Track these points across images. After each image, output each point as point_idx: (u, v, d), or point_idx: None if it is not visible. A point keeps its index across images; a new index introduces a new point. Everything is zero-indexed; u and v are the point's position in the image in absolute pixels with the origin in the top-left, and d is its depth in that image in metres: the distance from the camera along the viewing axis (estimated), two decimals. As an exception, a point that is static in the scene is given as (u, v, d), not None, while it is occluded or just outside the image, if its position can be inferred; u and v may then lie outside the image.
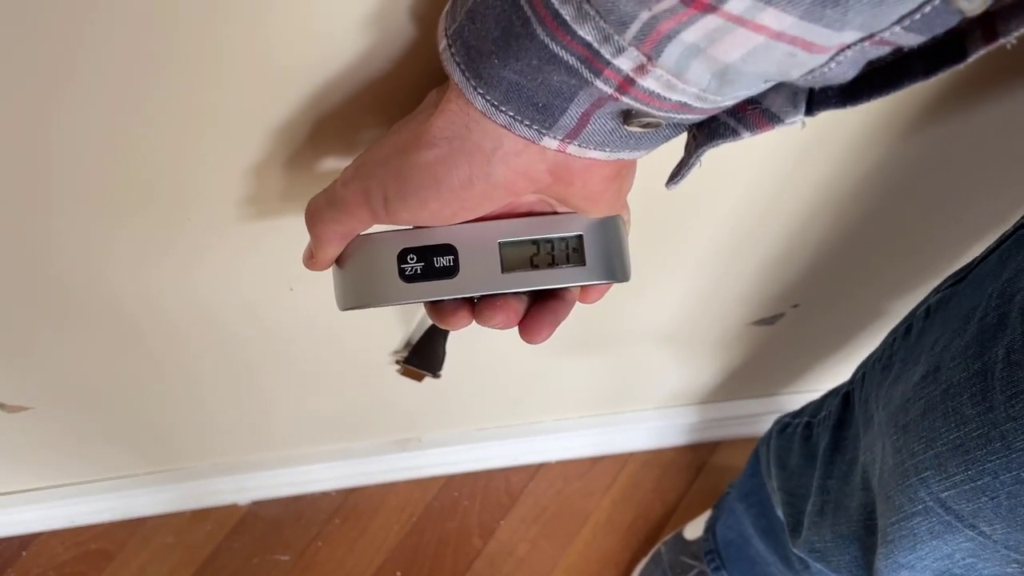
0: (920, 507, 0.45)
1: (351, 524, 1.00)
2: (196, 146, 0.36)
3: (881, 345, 0.56)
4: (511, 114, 0.27)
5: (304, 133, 0.36)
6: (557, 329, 0.35)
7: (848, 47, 0.23)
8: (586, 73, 0.25)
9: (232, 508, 0.99)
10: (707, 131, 0.29)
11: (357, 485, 1.01)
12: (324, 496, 1.00)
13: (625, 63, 0.24)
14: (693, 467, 1.06)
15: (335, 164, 0.38)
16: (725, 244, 0.59)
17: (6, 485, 0.87)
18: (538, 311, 0.35)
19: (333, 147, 0.37)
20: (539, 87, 0.26)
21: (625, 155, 0.30)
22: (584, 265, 0.34)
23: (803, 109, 0.27)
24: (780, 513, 0.65)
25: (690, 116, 0.27)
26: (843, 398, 0.59)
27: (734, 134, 0.29)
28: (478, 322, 0.35)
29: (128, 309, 0.50)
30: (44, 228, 0.41)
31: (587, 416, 0.99)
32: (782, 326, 0.76)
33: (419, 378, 0.69)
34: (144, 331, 0.53)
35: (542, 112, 0.27)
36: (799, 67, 0.23)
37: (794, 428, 0.67)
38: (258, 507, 0.99)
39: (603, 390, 0.91)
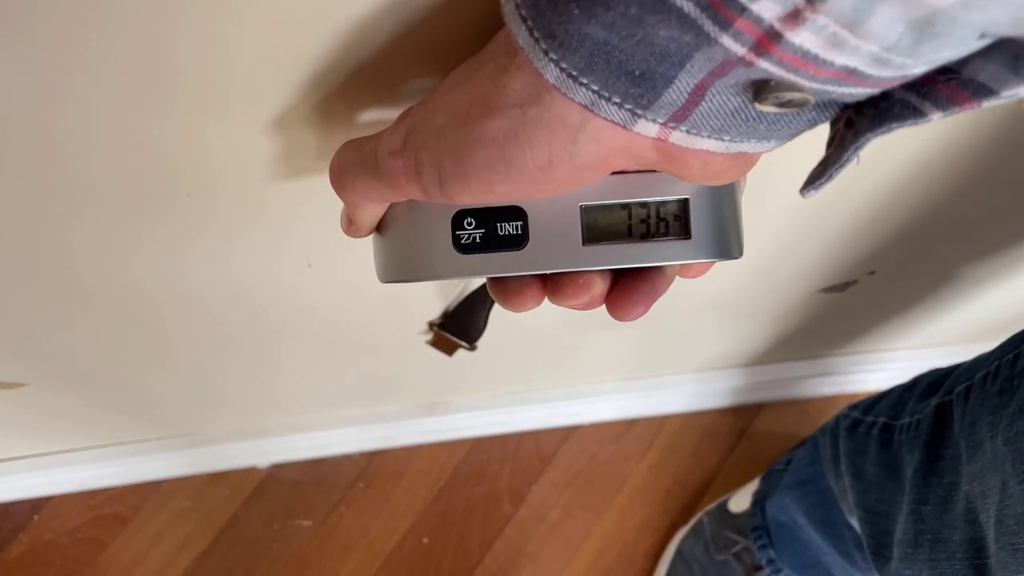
0: None
1: (376, 489, 0.95)
2: (211, 104, 0.29)
3: (991, 359, 0.47)
4: (595, 88, 0.20)
5: (336, 84, 0.29)
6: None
7: None
8: (708, 26, 0.18)
9: (251, 471, 0.94)
10: (873, 112, 0.21)
11: (381, 448, 0.96)
12: (347, 459, 0.95)
13: (770, 8, 0.17)
14: (735, 431, 1.00)
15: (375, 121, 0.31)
16: (803, 209, 0.51)
17: (14, 451, 0.83)
18: (633, 282, 0.28)
19: (374, 101, 0.30)
20: (637, 48, 0.19)
21: (749, 147, 0.22)
22: (688, 238, 0.27)
23: None
24: (858, 530, 0.58)
25: (855, 89, 0.19)
26: (937, 410, 0.51)
27: (916, 115, 0.20)
28: (552, 301, 0.28)
29: (138, 287, 0.44)
30: (55, 220, 0.35)
31: (623, 380, 0.93)
32: (850, 292, 0.69)
33: (451, 350, 0.63)
34: (155, 306, 0.47)
35: (639, 84, 0.20)
36: None
37: (867, 428, 0.59)
38: (278, 470, 0.94)
39: (643, 356, 0.85)
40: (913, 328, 0.84)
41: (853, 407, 0.64)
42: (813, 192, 0.24)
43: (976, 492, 0.44)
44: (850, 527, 0.66)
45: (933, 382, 0.56)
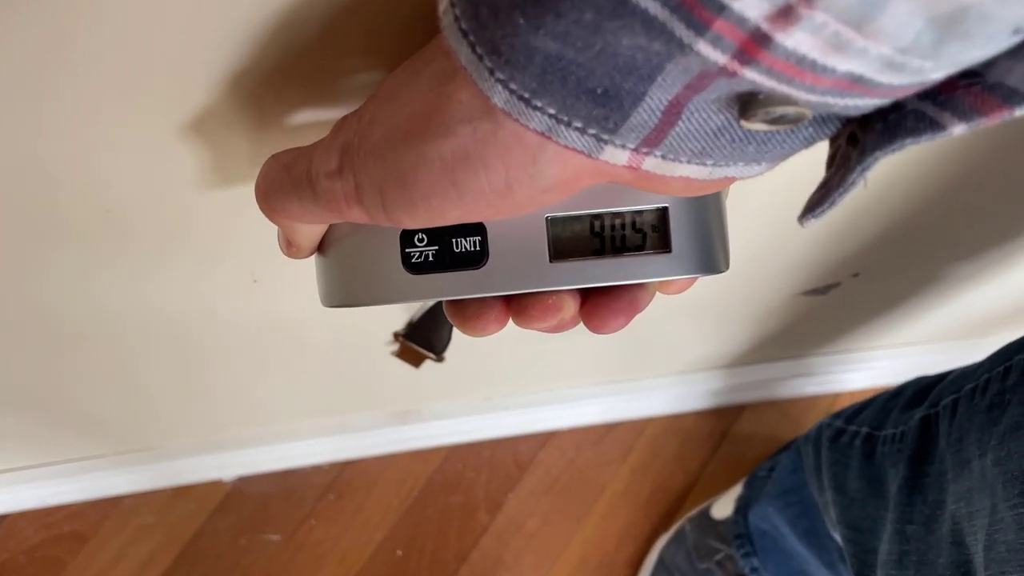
0: None
1: (347, 500, 0.92)
2: (113, 105, 0.25)
3: (979, 371, 0.45)
4: (551, 112, 0.17)
5: (264, 78, 0.26)
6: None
7: None
8: (680, 31, 0.15)
9: (216, 484, 0.90)
10: (881, 126, 0.18)
11: (352, 458, 0.92)
12: (316, 470, 0.92)
13: (755, 6, 0.14)
14: (716, 434, 0.98)
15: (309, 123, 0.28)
16: (785, 210, 0.49)
17: (-38, 469, 0.79)
18: (613, 294, 0.25)
19: (309, 98, 0.27)
20: (597, 61, 0.16)
21: (736, 171, 0.19)
22: (669, 251, 0.24)
23: None
24: (841, 545, 0.56)
25: (861, 101, 0.16)
26: (922, 423, 0.49)
27: (934, 128, 0.17)
28: (517, 324, 0.25)
29: (66, 314, 0.40)
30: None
31: (601, 383, 0.91)
32: (833, 294, 0.67)
33: (418, 361, 0.60)
34: (85, 334, 0.43)
35: (603, 104, 0.17)
36: None
37: (850, 438, 0.57)
38: (244, 483, 0.91)
39: (621, 359, 0.82)
40: (896, 327, 0.82)
41: (836, 416, 0.62)
42: (813, 220, 0.20)
43: (963, 513, 0.42)
44: (834, 539, 0.64)
45: (918, 392, 0.53)
